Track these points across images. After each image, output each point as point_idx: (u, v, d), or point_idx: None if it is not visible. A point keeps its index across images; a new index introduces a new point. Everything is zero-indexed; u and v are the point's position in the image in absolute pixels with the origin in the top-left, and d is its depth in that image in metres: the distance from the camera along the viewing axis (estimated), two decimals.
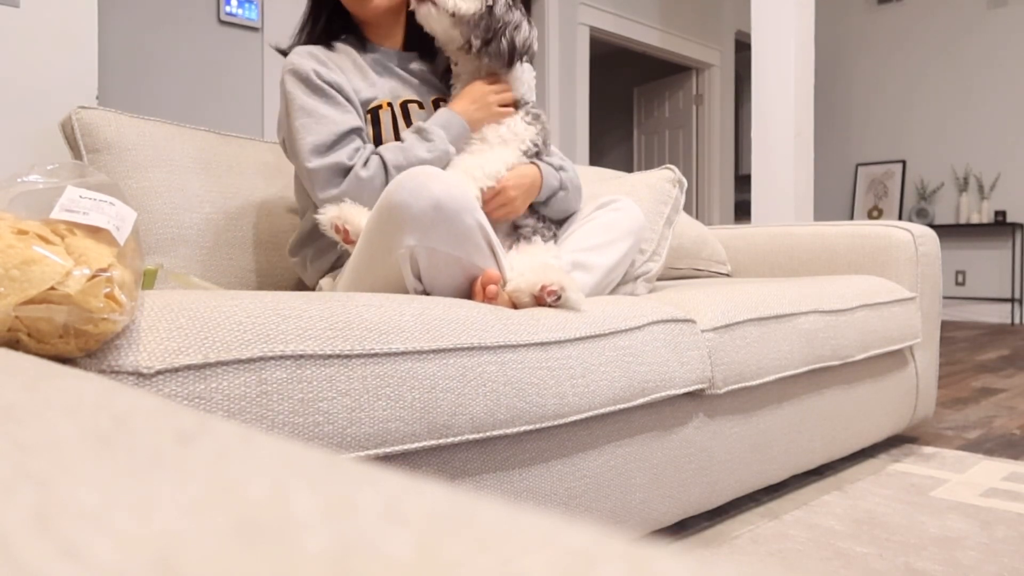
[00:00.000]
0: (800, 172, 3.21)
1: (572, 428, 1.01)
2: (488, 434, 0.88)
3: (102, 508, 0.18)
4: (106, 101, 2.54)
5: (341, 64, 1.31)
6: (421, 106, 1.34)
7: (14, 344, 0.59)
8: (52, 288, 0.58)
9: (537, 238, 1.26)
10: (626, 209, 1.32)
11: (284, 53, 1.35)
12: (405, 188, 0.98)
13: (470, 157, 1.23)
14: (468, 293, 1.08)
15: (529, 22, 1.30)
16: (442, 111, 1.27)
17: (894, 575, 1.08)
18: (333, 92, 1.24)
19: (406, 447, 0.81)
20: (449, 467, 0.88)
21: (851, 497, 1.42)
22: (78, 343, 0.61)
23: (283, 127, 1.29)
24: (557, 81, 4.64)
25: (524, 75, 1.33)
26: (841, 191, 6.00)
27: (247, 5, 3.21)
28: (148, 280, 1.06)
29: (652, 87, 6.27)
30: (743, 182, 6.35)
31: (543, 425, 0.94)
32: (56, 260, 0.60)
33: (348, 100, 1.26)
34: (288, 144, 1.26)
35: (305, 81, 1.23)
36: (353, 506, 0.19)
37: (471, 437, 0.86)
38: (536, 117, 1.32)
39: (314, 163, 1.18)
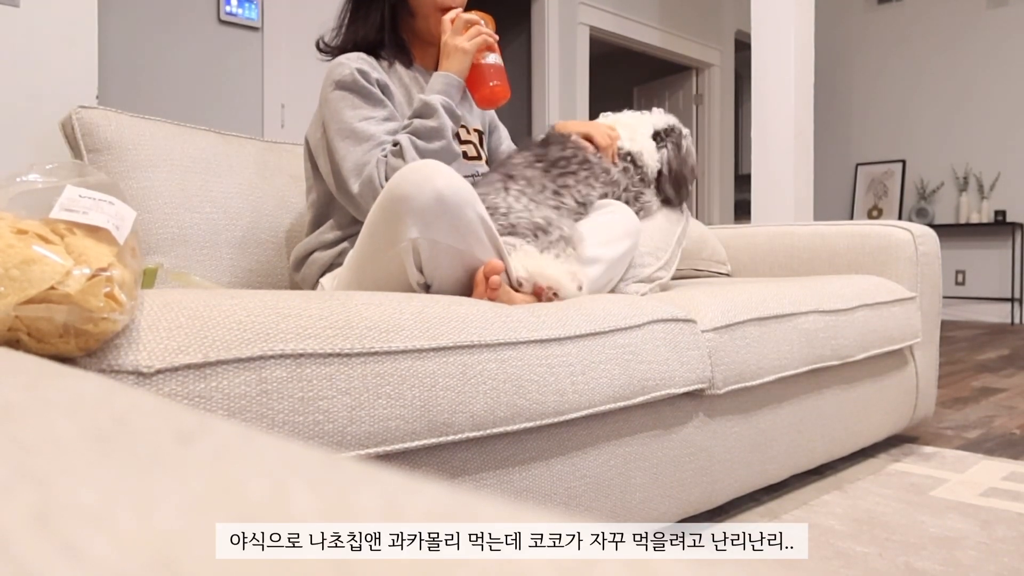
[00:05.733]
0: (800, 172, 3.21)
1: (572, 427, 1.01)
2: (488, 432, 0.88)
3: (102, 507, 0.18)
4: (106, 101, 2.54)
5: (388, 81, 1.34)
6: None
7: (14, 344, 0.59)
8: (52, 288, 0.58)
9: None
10: (620, 212, 1.35)
11: (326, 52, 1.40)
12: (409, 181, 0.99)
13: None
14: (469, 286, 1.08)
15: None
16: (438, 78, 1.29)
17: (894, 575, 1.08)
18: (375, 92, 1.28)
19: (406, 445, 0.81)
20: (449, 466, 0.88)
21: (851, 497, 1.42)
22: (78, 342, 0.61)
23: (318, 130, 1.33)
24: (557, 80, 4.64)
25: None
26: (841, 191, 6.00)
27: (247, 5, 3.21)
28: (148, 279, 1.06)
29: (652, 87, 6.27)
30: (743, 182, 6.34)
31: (543, 422, 0.94)
32: (56, 259, 0.60)
33: (390, 98, 1.31)
34: (332, 167, 1.30)
35: (350, 87, 1.27)
36: (353, 506, 0.19)
37: (471, 435, 0.86)
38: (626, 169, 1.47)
39: (357, 187, 1.23)
